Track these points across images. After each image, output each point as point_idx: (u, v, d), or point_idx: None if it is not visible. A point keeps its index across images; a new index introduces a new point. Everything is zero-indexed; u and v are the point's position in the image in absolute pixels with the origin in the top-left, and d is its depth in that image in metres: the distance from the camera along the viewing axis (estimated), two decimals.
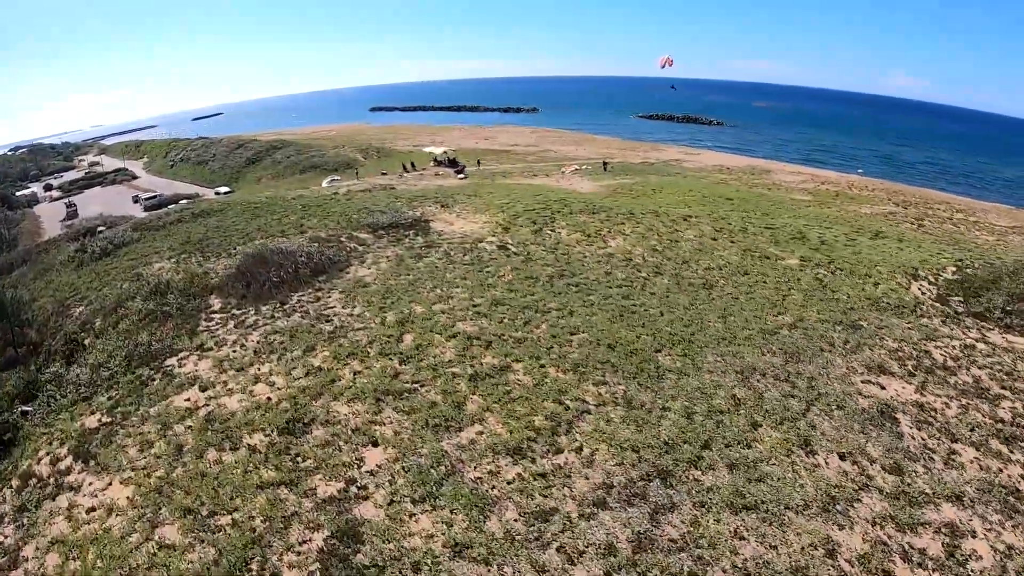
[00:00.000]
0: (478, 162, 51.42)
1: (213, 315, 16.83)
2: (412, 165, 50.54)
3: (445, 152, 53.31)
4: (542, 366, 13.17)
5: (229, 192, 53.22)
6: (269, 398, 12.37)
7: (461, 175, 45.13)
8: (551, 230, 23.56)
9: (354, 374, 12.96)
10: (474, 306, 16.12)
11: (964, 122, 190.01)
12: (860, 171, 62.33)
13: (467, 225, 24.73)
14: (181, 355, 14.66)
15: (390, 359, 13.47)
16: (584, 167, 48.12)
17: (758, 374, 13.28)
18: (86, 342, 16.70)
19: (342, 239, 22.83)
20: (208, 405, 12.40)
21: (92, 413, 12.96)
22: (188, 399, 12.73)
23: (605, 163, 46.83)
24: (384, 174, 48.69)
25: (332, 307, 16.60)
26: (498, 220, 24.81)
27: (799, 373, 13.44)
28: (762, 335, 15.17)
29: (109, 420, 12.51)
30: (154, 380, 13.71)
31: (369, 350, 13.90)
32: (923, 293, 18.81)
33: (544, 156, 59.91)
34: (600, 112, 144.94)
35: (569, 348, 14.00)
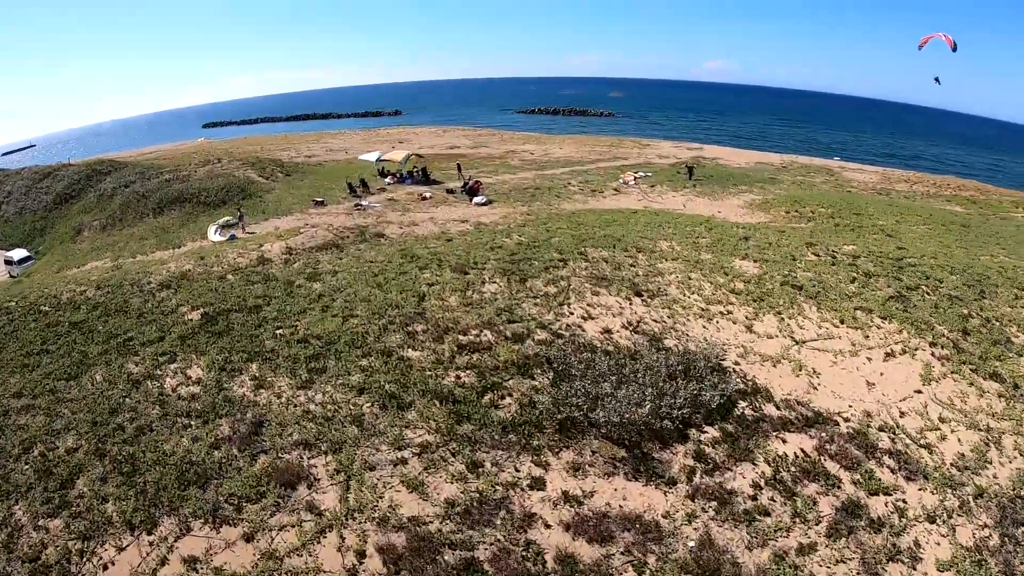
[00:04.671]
0: (458, 167, 31.84)
1: None
2: (364, 184, 29.39)
3: (408, 157, 32.61)
4: None
5: (28, 261, 26.29)
6: None
7: (479, 199, 25.62)
8: None
9: None
10: None
11: (786, 98, 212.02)
12: (837, 158, 55.98)
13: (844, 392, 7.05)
14: None
15: None
16: (644, 175, 31.72)
17: None
18: None
19: None
20: None
21: None
22: None
23: (691, 169, 30.85)
24: (320, 202, 26.77)
25: None
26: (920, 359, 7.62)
27: None
28: None
29: None
30: None
31: None
32: None
33: (528, 160, 41.83)
34: (465, 110, 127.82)
35: None
